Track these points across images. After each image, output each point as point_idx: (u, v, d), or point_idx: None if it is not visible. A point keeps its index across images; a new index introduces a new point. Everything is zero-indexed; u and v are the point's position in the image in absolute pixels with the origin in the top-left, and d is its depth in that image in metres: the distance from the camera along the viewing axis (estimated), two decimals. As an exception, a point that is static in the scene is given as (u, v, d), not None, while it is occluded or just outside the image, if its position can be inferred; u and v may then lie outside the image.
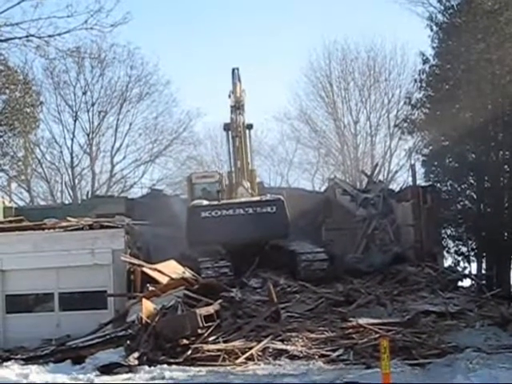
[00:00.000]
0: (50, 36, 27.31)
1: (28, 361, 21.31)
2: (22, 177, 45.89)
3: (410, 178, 36.03)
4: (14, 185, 48.05)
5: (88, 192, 49.71)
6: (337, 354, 19.85)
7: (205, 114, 62.86)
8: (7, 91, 36.54)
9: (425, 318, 22.54)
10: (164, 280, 24.67)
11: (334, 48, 53.92)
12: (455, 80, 32.04)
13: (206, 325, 20.80)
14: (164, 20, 77.33)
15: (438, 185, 32.74)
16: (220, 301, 22.62)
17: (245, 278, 26.81)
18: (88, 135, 52.61)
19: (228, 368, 19.01)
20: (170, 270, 25.41)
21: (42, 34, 27.18)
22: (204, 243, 27.64)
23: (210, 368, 19.02)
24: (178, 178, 54.32)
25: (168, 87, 53.83)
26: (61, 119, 52.26)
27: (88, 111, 52.20)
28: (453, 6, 32.88)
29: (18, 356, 22.10)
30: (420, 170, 34.66)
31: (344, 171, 52.62)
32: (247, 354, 19.71)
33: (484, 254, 32.09)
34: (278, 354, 19.95)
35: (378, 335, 20.16)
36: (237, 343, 20.46)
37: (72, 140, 52.45)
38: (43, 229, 27.67)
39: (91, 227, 27.16)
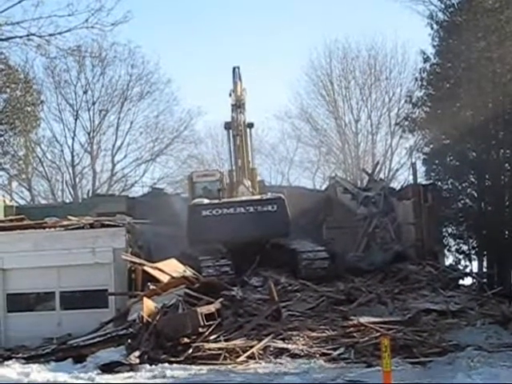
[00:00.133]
0: (50, 35, 27.36)
1: (29, 360, 21.30)
2: (23, 175, 45.98)
3: (411, 177, 36.02)
4: (14, 183, 48.15)
5: (89, 191, 49.79)
6: (338, 352, 19.85)
7: (206, 112, 63.68)
8: (8, 90, 36.57)
9: (426, 317, 22.54)
10: (165, 279, 24.67)
11: (335, 46, 54.04)
12: (456, 78, 32.05)
13: (206, 323, 20.79)
14: (165, 19, 77.51)
15: (439, 183, 32.76)
16: (221, 299, 22.61)
17: (246, 277, 26.82)
18: (89, 134, 52.68)
19: (229, 367, 19.00)
20: (171, 268, 25.40)
21: (42, 32, 27.24)
22: (205, 242, 27.66)
23: (211, 367, 19.02)
24: (178, 177, 54.43)
25: (169, 86, 53.96)
26: (62, 118, 52.39)
27: (89, 110, 52.31)
28: (453, 4, 32.91)
29: (19, 355, 22.08)
30: (421, 169, 34.72)
31: (345, 170, 52.65)
32: (248, 353, 19.71)
33: (485, 253, 32.11)
34: (279, 352, 19.95)
35: (378, 334, 20.18)
36: (238, 342, 20.47)
37: (73, 139, 52.60)
38: (44, 228, 27.67)
39: (92, 226, 27.16)
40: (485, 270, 31.81)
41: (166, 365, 19.15)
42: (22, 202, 48.41)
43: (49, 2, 28.35)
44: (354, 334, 20.99)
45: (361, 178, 47.09)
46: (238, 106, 30.94)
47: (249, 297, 24.20)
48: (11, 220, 29.89)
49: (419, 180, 33.42)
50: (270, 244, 28.49)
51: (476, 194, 32.39)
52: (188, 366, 19.02)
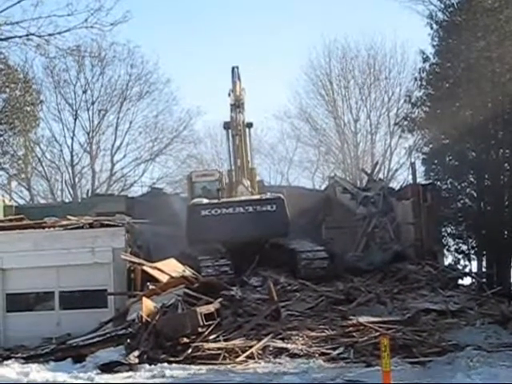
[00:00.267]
0: (50, 35, 27.35)
1: (28, 359, 21.29)
2: (22, 175, 45.96)
3: (410, 176, 36.07)
4: (14, 183, 48.07)
5: (88, 190, 49.78)
6: (337, 352, 19.85)
7: (205, 112, 63.22)
8: (7, 90, 36.57)
9: (425, 316, 22.54)
10: (164, 278, 24.66)
11: (334, 46, 54.03)
12: (455, 78, 32.05)
13: (206, 323, 20.79)
14: (164, 19, 77.53)
15: (438, 183, 32.76)
16: (220, 299, 22.62)
17: (245, 277, 26.82)
18: (88, 134, 52.67)
19: (228, 366, 19.01)
20: (170, 268, 25.40)
21: (42, 32, 27.22)
22: (204, 242, 27.66)
23: (211, 366, 19.02)
24: (178, 177, 54.42)
25: (168, 86, 53.97)
26: (61, 118, 52.38)
27: (88, 110, 52.28)
28: (453, 4, 32.91)
29: (19, 355, 22.07)
30: (420, 168, 34.77)
31: (344, 169, 52.64)
32: (247, 353, 19.71)
33: (484, 252, 32.11)
34: (279, 352, 19.96)
35: (378, 333, 20.17)
36: (237, 342, 20.47)
37: (72, 138, 52.59)
38: (43, 227, 27.67)
39: (91, 226, 27.16)
40: (484, 269, 31.82)
41: (166, 364, 19.15)
42: (22, 202, 48.41)
43: (48, 2, 28.41)
44: (354, 334, 20.99)
45: (360, 178, 47.11)
46: (237, 105, 30.94)
47: (248, 296, 24.19)
48: (10, 220, 29.88)
49: (418, 180, 33.47)
50: (270, 244, 28.49)
51: (475, 194, 32.39)
52: (187, 366, 19.02)
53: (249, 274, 27.14)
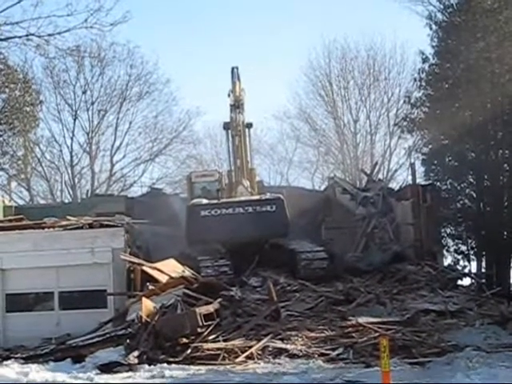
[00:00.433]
0: (49, 35, 27.32)
1: (28, 360, 21.31)
2: (22, 176, 45.94)
3: (410, 177, 36.12)
4: (13, 184, 48.08)
5: (88, 191, 49.75)
6: (336, 352, 19.87)
7: (204, 112, 63.78)
8: (7, 90, 36.55)
9: (424, 317, 22.57)
10: (164, 279, 24.67)
11: (334, 47, 54.02)
12: (455, 79, 32.04)
13: (205, 324, 20.81)
14: (164, 19, 77.52)
15: (438, 183, 32.74)
16: (220, 300, 22.63)
17: (244, 277, 26.83)
18: (88, 134, 52.64)
19: (228, 367, 19.02)
20: (170, 268, 25.41)
21: (41, 32, 27.20)
22: (204, 242, 27.67)
23: (210, 367, 19.04)
24: (177, 177, 54.38)
25: (168, 86, 53.91)
26: (60, 118, 52.33)
27: (88, 110, 52.24)
28: (452, 4, 32.89)
29: (18, 355, 22.09)
30: (420, 169, 34.75)
31: (344, 170, 52.63)
32: (247, 353, 19.73)
33: (484, 253, 32.09)
34: (278, 352, 19.98)
35: (377, 334, 20.19)
36: (236, 342, 20.48)
37: (72, 139, 52.54)
38: (43, 228, 27.67)
39: (91, 226, 27.16)
40: (483, 270, 31.78)
41: (165, 365, 19.17)
42: (21, 202, 48.40)
43: (48, 2, 28.38)
44: (353, 335, 21.01)
45: (360, 179, 47.11)
46: (237, 106, 30.95)
47: (248, 297, 24.20)
48: (10, 220, 29.88)
49: (418, 180, 33.49)
50: (269, 244, 28.50)
51: (475, 195, 32.37)
52: (187, 366, 19.04)
53: (248, 274, 27.15)
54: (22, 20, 27.42)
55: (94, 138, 52.93)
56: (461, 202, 32.85)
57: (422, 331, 21.21)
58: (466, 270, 31.40)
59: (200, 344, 20.24)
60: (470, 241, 32.58)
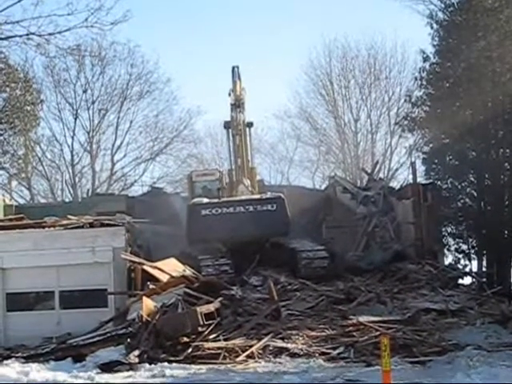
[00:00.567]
0: (50, 34, 27.29)
1: (29, 359, 21.29)
2: (23, 175, 45.94)
3: (411, 176, 36.04)
4: (14, 183, 48.05)
5: (88, 190, 49.79)
6: (337, 351, 19.86)
7: (205, 112, 63.86)
8: (8, 89, 36.56)
9: (425, 316, 22.54)
10: (164, 278, 24.67)
11: (335, 46, 54.05)
12: (455, 78, 32.05)
13: (206, 323, 20.79)
14: (164, 18, 77.51)
15: (439, 182, 32.75)
16: (220, 299, 22.63)
17: (245, 276, 26.83)
18: (88, 133, 52.68)
19: (228, 366, 19.00)
20: (171, 268, 25.40)
21: (42, 32, 27.16)
22: (204, 241, 27.67)
23: (211, 366, 19.03)
24: (178, 176, 54.43)
25: (168, 85, 53.97)
26: (61, 117, 52.39)
27: (88, 109, 52.30)
28: (453, 3, 32.90)
29: (19, 354, 22.05)
30: (420, 168, 34.74)
31: (344, 169, 52.65)
32: (247, 352, 19.71)
33: (484, 252, 32.11)
34: (279, 351, 19.96)
35: (378, 333, 20.17)
36: (237, 341, 20.47)
37: (72, 138, 52.61)
38: (43, 227, 27.67)
39: (92, 225, 27.15)
40: (484, 269, 31.81)
41: (166, 364, 19.16)
42: (22, 201, 48.36)
43: (48, 1, 28.30)
44: (354, 334, 20.99)
45: (360, 178, 47.13)
46: (238, 105, 30.94)
47: (248, 296, 24.19)
48: (11, 219, 29.88)
49: (419, 179, 33.45)
50: (270, 243, 28.49)
51: (475, 194, 32.39)
52: (187, 366, 19.03)
53: (249, 273, 27.14)
54: (22, 19, 27.41)
55: (95, 137, 53.00)
56: (461, 201, 32.87)
57: (422, 330, 21.20)
58: (467, 269, 31.41)
59: (201, 343, 20.23)
60: (470, 240, 32.60)
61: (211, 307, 21.61)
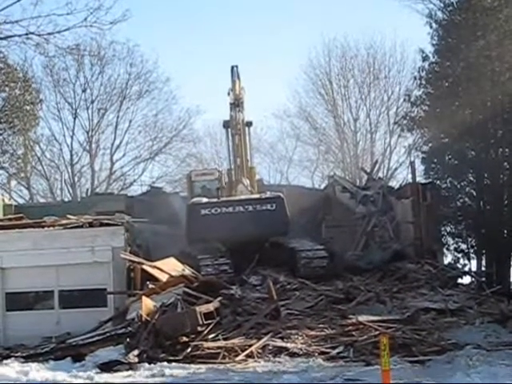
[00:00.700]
0: (49, 34, 27.22)
1: (28, 358, 21.30)
2: (22, 174, 45.91)
3: (410, 175, 36.06)
4: (13, 182, 47.99)
5: (88, 190, 49.75)
6: (337, 351, 19.86)
7: (204, 111, 63.71)
8: (7, 89, 36.56)
9: (424, 315, 22.56)
10: (164, 277, 24.67)
11: (334, 45, 54.02)
12: (455, 77, 32.05)
13: (205, 322, 20.80)
14: (163, 17, 77.42)
15: (438, 182, 32.75)
16: (220, 298, 22.64)
17: (244, 276, 26.82)
18: (87, 133, 52.63)
19: (228, 365, 19.01)
20: (170, 267, 25.40)
21: (41, 31, 27.10)
22: (204, 241, 27.66)
23: (210, 365, 19.03)
24: (177, 176, 54.36)
25: (168, 85, 53.88)
26: (60, 117, 52.32)
27: (87, 109, 52.23)
28: (452, 3, 32.89)
29: (18, 354, 22.06)
30: (420, 167, 34.76)
31: (344, 168, 52.64)
32: (247, 352, 19.72)
33: (484, 251, 32.10)
34: (278, 351, 19.96)
35: (377, 332, 20.18)
36: (236, 341, 20.47)
37: (72, 137, 52.54)
38: (43, 226, 27.68)
39: (91, 225, 27.16)
40: (483, 268, 31.80)
41: (165, 364, 19.16)
42: (21, 201, 48.30)
43: (48, 1, 28.26)
44: (353, 333, 20.99)
45: (359, 177, 47.13)
46: (237, 104, 30.93)
47: (248, 295, 24.19)
48: (10, 219, 29.86)
49: (418, 179, 33.50)
50: (269, 243, 28.49)
51: (475, 193, 32.38)
52: (187, 365, 19.03)
53: (248, 272, 27.13)
54: (21, 19, 27.33)
55: (94, 136, 52.93)
56: (461, 200, 32.86)
57: (422, 329, 21.21)
58: (466, 269, 31.39)
59: (200, 343, 20.24)
60: (470, 239, 32.59)
61: (210, 307, 21.62)
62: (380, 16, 68.32)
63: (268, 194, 29.34)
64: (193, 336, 20.55)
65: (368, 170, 36.99)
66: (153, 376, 18.26)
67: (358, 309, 23.32)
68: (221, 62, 71.08)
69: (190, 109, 54.52)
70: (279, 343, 20.43)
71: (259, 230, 27.65)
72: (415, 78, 34.01)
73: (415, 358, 18.82)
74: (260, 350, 19.92)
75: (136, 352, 19.63)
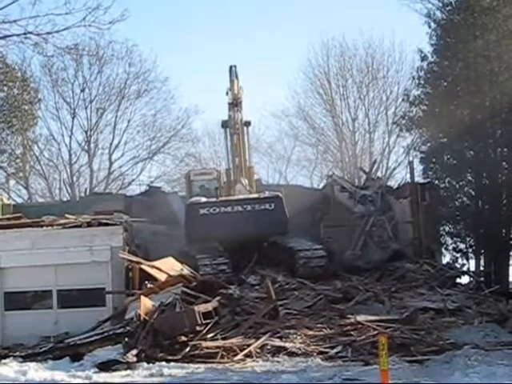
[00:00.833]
0: (48, 33, 27.23)
1: (26, 358, 21.28)
2: (20, 174, 45.98)
3: (409, 175, 35.95)
4: (12, 182, 48.03)
5: (86, 189, 49.68)
6: (335, 350, 19.86)
7: (203, 111, 63.43)
8: (5, 88, 36.61)
9: (423, 315, 22.55)
10: (162, 277, 24.66)
11: (332, 45, 53.92)
12: (453, 77, 32.07)
13: (204, 322, 20.79)
14: (162, 17, 77.49)
15: (437, 182, 32.79)
16: (218, 298, 22.63)
17: (243, 275, 26.79)
18: (86, 132, 52.55)
19: (226, 365, 18.99)
20: (169, 267, 25.39)
21: (40, 31, 27.11)
22: (202, 240, 27.65)
23: (209, 365, 19.02)
24: (176, 175, 54.28)
25: (166, 84, 53.81)
26: (59, 116, 52.22)
27: (86, 108, 52.16)
28: (451, 2, 32.93)
29: (17, 353, 22.05)
30: (418, 167, 34.76)
31: (342, 168, 52.61)
32: (245, 351, 19.71)
33: (482, 251, 32.14)
34: (277, 350, 19.96)
35: (376, 332, 20.18)
36: (235, 340, 20.46)
37: (70, 137, 52.45)
38: (41, 226, 27.68)
39: (89, 224, 27.16)
40: (482, 268, 31.85)
41: (164, 363, 19.15)
42: (20, 201, 48.19)
43: (46, 1, 28.42)
44: (352, 333, 20.99)
45: (358, 177, 47.11)
46: (235, 104, 30.90)
47: (246, 295, 24.16)
48: (8, 218, 29.84)
49: (416, 178, 33.48)
50: (268, 242, 28.49)
51: (473, 193, 32.41)
52: (185, 365, 19.02)
53: (247, 272, 27.12)
54: (20, 18, 27.35)
55: (93, 136, 52.83)
56: (459, 200, 32.89)
57: (420, 329, 21.21)
58: (465, 268, 31.43)
59: (199, 342, 20.23)
60: (468, 239, 32.62)
61: (209, 306, 21.62)
62: (378, 16, 68.39)
63: (266, 194, 29.32)
64: (191, 335, 20.54)
65: (367, 170, 36.95)
66: (151, 376, 18.24)
67: (356, 308, 23.31)
68: (219, 61, 71.15)
69: (188, 108, 54.55)
70: (278, 343, 20.42)
71: (258, 229, 27.63)
72: (414, 78, 34.06)
73: (414, 358, 18.82)
74: (258, 350, 19.91)
75: (134, 351, 19.61)
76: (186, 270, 25.53)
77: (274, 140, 58.00)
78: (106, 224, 27.17)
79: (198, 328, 20.63)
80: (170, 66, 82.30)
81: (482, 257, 32.23)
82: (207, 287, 23.61)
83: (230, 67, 31.96)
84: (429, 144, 33.59)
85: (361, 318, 21.92)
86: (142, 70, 52.87)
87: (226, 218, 28.03)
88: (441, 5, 33.25)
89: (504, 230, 31.23)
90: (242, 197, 29.12)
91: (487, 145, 31.56)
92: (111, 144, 53.39)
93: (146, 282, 24.65)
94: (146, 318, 21.11)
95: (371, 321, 21.59)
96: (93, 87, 51.85)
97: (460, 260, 32.38)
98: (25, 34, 27.33)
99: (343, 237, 30.62)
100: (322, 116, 55.36)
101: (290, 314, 22.88)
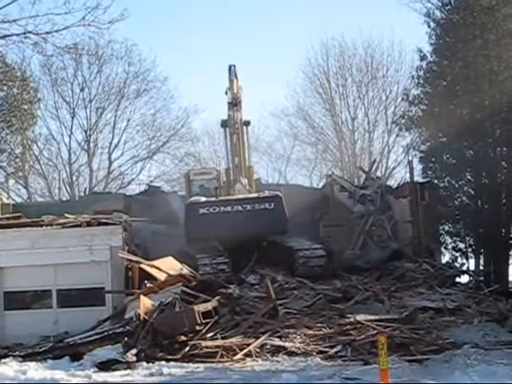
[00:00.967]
0: (47, 33, 27.21)
1: (26, 357, 21.28)
2: (20, 173, 45.98)
3: (408, 175, 35.98)
4: (11, 181, 47.99)
5: (86, 189, 49.66)
6: (335, 350, 19.87)
7: (202, 110, 63.60)
8: (5, 88, 36.61)
9: (423, 315, 22.56)
10: (162, 277, 24.66)
11: (332, 44, 53.90)
12: (453, 76, 32.07)
13: (203, 321, 20.79)
14: (162, 16, 77.47)
15: (436, 181, 32.79)
16: (218, 297, 22.62)
17: (243, 275, 26.80)
18: (86, 132, 52.56)
19: (226, 364, 19.00)
20: (168, 266, 25.39)
21: (39, 30, 27.08)
22: (202, 240, 27.65)
23: (208, 364, 19.02)
24: (175, 175, 54.27)
25: (166, 84, 53.81)
26: (58, 116, 52.23)
27: (86, 108, 52.16)
28: (450, 2, 32.93)
29: (17, 353, 22.05)
30: (418, 167, 34.74)
31: (342, 168, 52.60)
32: (245, 351, 19.71)
33: (482, 250, 32.14)
34: (276, 350, 19.96)
35: (375, 331, 20.18)
36: (235, 340, 20.46)
37: (70, 137, 52.45)
38: (41, 226, 27.67)
39: (89, 224, 27.16)
40: (481, 267, 31.85)
41: (163, 363, 19.15)
42: (19, 200, 48.19)
43: (45, 0, 28.23)
44: (351, 332, 20.99)
45: (358, 176, 47.12)
46: (235, 103, 30.90)
47: (246, 295, 24.17)
48: (8, 218, 29.84)
49: (416, 178, 33.48)
50: (267, 242, 28.49)
51: (473, 192, 32.41)
52: (185, 364, 19.02)
53: (246, 272, 27.13)
54: (19, 18, 27.31)
55: (92, 135, 52.83)
56: (459, 199, 32.90)
57: (420, 329, 21.21)
58: (464, 268, 31.48)
59: (198, 342, 20.22)
60: (468, 238, 32.63)
61: (209, 306, 21.62)
62: (378, 15, 68.42)
63: (266, 193, 29.32)
64: (191, 335, 20.54)
65: (366, 169, 36.98)
66: (151, 375, 18.24)
67: (356, 308, 23.32)
68: (219, 61, 71.10)
69: (188, 108, 54.55)
70: (277, 342, 20.42)
71: (257, 229, 27.63)
72: (413, 77, 34.10)
73: (413, 357, 18.81)
74: (258, 349, 19.92)
75: (134, 351, 19.61)
76: (186, 270, 25.53)
77: (273, 139, 58.06)
78: (106, 223, 27.17)
79: (197, 327, 20.63)
80: (169, 65, 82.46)
81: (481, 256, 32.23)
82: (207, 287, 23.60)
83: (230, 67, 31.95)
84: (428, 143, 33.60)
85: (360, 317, 21.92)
86: (141, 70, 52.94)
87: (226, 217, 28.03)
88: (440, 4, 33.27)
89: (503, 230, 31.24)
90: (241, 196, 29.13)
91: (487, 144, 31.56)
92: (111, 143, 53.43)
93: (146, 282, 24.64)
94: (146, 317, 21.11)
95: (371, 320, 21.60)
96: (92, 87, 51.92)
97: (459, 259, 32.43)
98: (24, 33, 27.32)
99: (343, 236, 30.64)
100: (322, 115, 55.41)
101: (289, 313, 22.89)
